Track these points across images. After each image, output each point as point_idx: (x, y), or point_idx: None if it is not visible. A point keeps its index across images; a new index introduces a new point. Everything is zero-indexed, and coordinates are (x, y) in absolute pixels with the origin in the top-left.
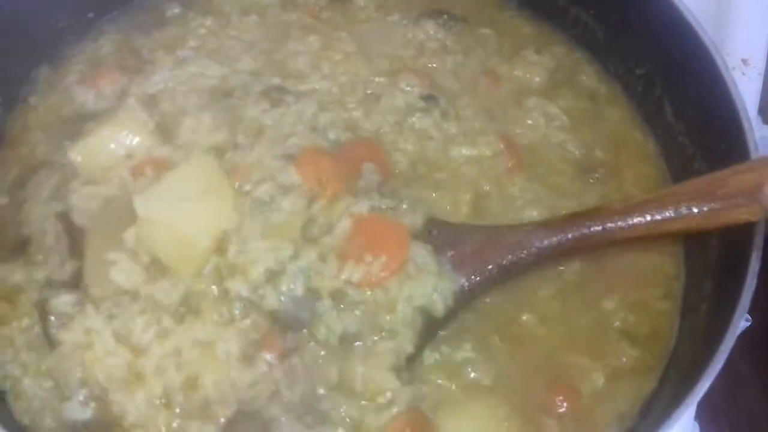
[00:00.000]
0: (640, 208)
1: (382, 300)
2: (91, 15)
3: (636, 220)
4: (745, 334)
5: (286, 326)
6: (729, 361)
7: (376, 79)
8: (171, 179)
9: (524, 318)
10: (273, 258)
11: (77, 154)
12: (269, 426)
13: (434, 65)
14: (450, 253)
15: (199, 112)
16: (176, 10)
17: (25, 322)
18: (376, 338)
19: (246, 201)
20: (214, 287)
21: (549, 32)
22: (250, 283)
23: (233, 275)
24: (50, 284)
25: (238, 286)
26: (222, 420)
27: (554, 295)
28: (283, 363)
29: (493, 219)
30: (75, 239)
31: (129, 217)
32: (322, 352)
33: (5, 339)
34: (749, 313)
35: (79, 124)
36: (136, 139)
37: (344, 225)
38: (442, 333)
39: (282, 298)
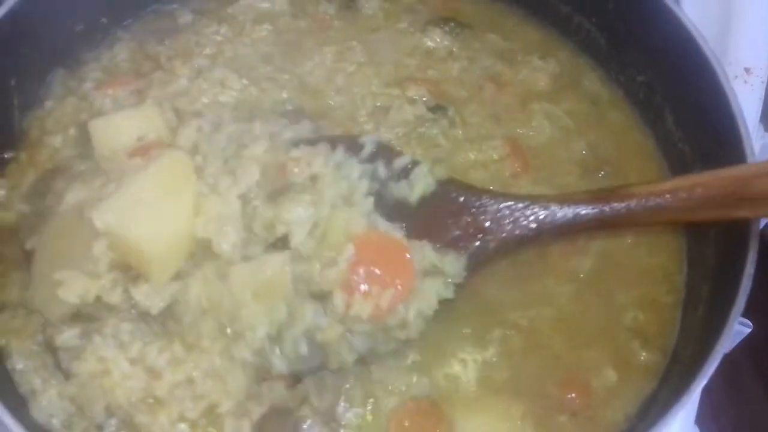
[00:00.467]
0: (666, 193)
1: (393, 322)
2: (104, 20)
3: (661, 203)
4: (746, 340)
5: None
6: (731, 366)
7: (386, 90)
8: (128, 186)
9: (537, 316)
10: (268, 324)
11: (95, 129)
12: (299, 424)
13: (441, 73)
14: (456, 232)
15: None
16: (188, 17)
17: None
18: (391, 347)
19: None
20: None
21: (553, 38)
22: (253, 350)
23: (236, 341)
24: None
25: (242, 353)
26: (255, 417)
27: (567, 293)
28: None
29: None
30: None
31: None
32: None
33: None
34: (750, 319)
35: None
36: (151, 132)
37: (347, 254)
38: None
39: (287, 359)
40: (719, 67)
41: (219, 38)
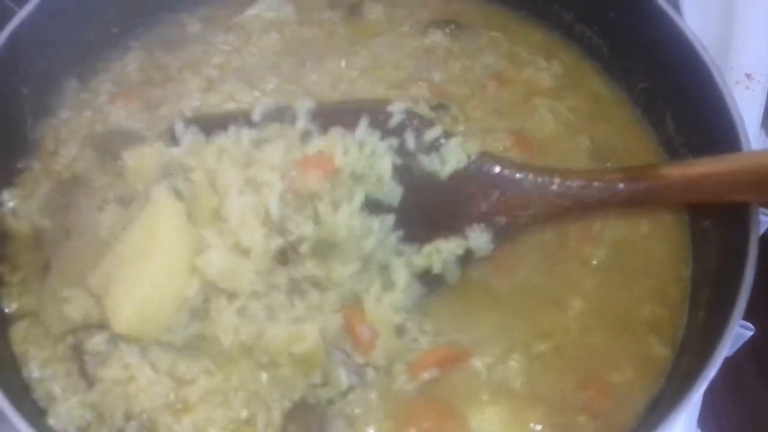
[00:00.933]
0: (701, 176)
1: None
2: (115, 30)
3: (694, 184)
4: (749, 343)
5: None
6: (734, 368)
7: (389, 93)
8: (117, 245)
9: (556, 313)
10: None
11: (130, 158)
12: (326, 420)
13: (443, 73)
14: (486, 207)
15: None
16: (197, 27)
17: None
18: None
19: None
20: None
21: (556, 41)
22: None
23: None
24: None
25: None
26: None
27: (585, 289)
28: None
29: None
30: None
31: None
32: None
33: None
34: (753, 321)
35: (112, 141)
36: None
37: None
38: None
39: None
40: (719, 75)
41: (227, 47)
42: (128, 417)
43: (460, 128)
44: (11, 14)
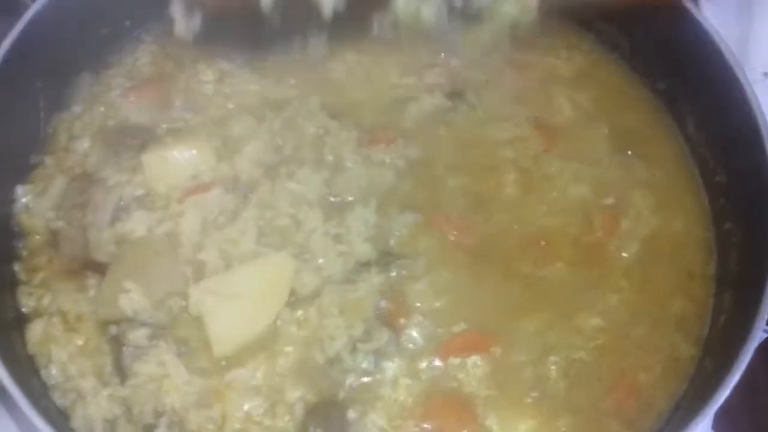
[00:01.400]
0: None
1: None
2: (128, 23)
3: None
4: (764, 346)
5: None
6: (748, 371)
7: (404, 80)
8: (234, 274)
9: (592, 310)
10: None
11: (151, 163)
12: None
13: (460, 59)
14: None
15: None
16: None
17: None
18: None
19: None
20: None
21: (577, 32)
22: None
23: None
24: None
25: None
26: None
27: (620, 285)
28: None
29: (539, 197)
30: None
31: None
32: None
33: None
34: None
35: (125, 136)
36: (204, 166)
37: None
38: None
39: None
40: (742, 73)
41: None
42: (158, 413)
43: (479, 114)
44: (24, 8)
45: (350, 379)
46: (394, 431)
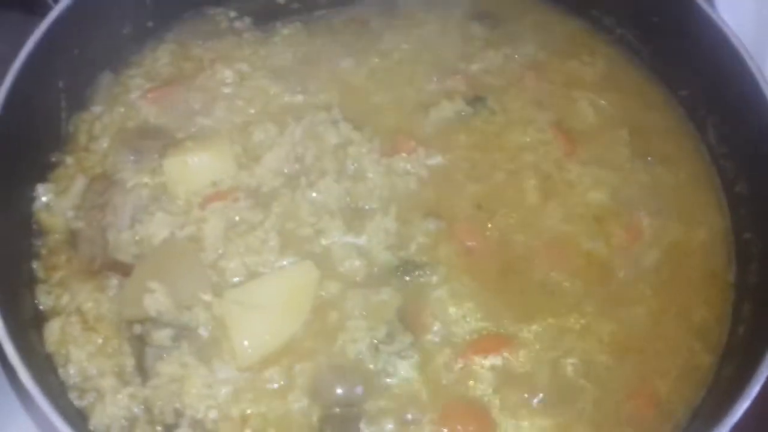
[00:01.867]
0: None
1: None
2: (150, 24)
3: None
4: None
5: None
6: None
7: (425, 86)
8: (259, 284)
9: (615, 318)
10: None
11: (171, 167)
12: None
13: (480, 64)
14: None
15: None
16: (232, 14)
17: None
18: None
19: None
20: None
21: (599, 38)
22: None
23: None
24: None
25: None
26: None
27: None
28: None
29: (560, 202)
30: None
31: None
32: None
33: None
34: None
35: (145, 138)
36: (224, 173)
37: None
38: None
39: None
40: (763, 81)
41: (253, 39)
42: (179, 414)
43: (500, 119)
44: (48, 8)
45: (371, 380)
46: None
